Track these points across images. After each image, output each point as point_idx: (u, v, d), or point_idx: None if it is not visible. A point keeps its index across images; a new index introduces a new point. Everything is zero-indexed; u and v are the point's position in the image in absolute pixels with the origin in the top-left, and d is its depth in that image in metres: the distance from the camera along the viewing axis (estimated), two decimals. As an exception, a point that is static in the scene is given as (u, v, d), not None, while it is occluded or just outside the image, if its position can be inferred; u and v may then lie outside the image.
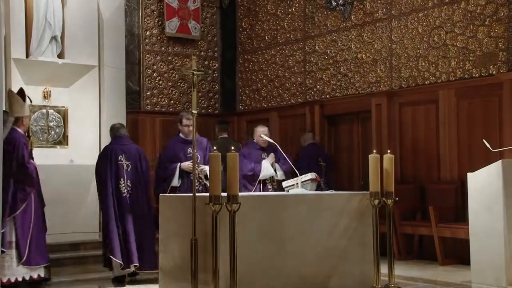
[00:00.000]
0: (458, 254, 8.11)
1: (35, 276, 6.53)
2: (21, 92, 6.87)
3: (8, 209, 6.35)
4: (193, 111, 5.55)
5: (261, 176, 7.86)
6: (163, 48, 11.30)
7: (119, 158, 7.06)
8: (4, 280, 6.32)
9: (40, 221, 6.65)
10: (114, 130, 7.35)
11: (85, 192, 9.19)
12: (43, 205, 6.78)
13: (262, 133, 8.01)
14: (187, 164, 7.32)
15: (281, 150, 7.58)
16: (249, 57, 11.65)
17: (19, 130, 6.62)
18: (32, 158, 6.74)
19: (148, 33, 11.16)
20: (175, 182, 7.32)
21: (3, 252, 6.26)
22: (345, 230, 6.00)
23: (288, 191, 6.55)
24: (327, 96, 10.21)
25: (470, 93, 8.34)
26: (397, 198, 6.10)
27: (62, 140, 9.75)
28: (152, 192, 7.42)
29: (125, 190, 7.04)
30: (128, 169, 7.10)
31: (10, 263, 6.39)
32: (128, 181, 7.06)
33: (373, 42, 9.54)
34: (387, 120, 9.24)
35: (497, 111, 8.05)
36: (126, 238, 6.88)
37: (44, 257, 6.63)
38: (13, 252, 6.40)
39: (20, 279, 6.43)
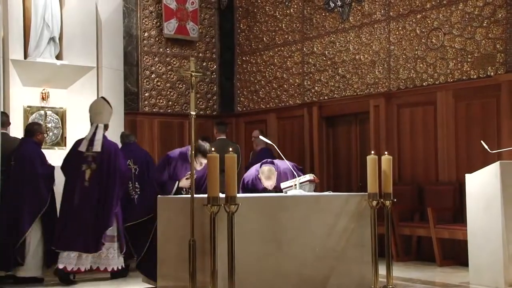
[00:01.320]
0: (456, 255, 8.12)
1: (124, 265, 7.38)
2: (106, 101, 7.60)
3: (114, 207, 7.16)
4: (191, 112, 5.54)
5: None
6: (161, 50, 11.30)
7: (128, 162, 7.72)
8: (109, 269, 7.18)
9: None
10: (123, 137, 8.30)
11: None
12: None
13: (265, 178, 6.79)
14: (185, 183, 6.51)
15: (279, 151, 7.57)
16: (247, 58, 11.65)
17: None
18: None
19: (146, 34, 11.16)
20: None
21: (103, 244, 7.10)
22: (343, 231, 6.00)
23: (286, 192, 6.55)
24: (325, 98, 10.21)
25: (468, 95, 8.35)
26: (395, 199, 6.10)
27: (60, 141, 9.73)
28: None
29: (133, 192, 7.81)
30: (136, 172, 7.83)
31: (114, 254, 7.16)
32: (136, 183, 7.79)
33: (371, 44, 9.55)
34: (385, 121, 9.24)
35: (495, 113, 8.05)
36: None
37: None
38: (115, 244, 7.18)
39: (117, 268, 7.23)
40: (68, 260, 6.97)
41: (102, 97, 7.70)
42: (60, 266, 6.97)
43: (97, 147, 7.15)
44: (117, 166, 7.20)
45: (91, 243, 7.00)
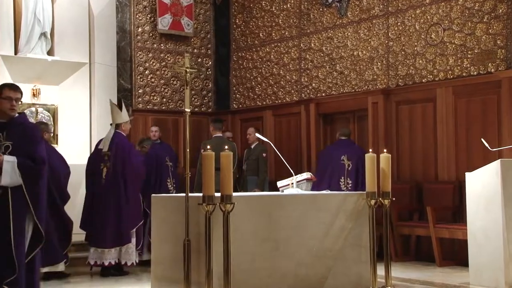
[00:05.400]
0: (456, 255, 8.14)
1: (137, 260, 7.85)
2: (120, 102, 8.21)
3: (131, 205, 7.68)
4: (186, 110, 5.55)
5: None
6: (155, 45, 11.29)
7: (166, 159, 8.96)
8: (129, 264, 7.67)
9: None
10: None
11: (75, 192, 9.14)
12: None
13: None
14: None
15: (275, 149, 7.58)
16: (243, 54, 11.66)
17: (123, 134, 7.87)
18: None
19: (140, 29, 11.15)
20: None
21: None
22: (341, 231, 6.02)
23: (282, 191, 6.57)
24: (323, 94, 10.22)
25: (468, 92, 8.37)
26: (394, 198, 6.13)
27: (52, 139, 9.71)
28: None
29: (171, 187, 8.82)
30: (172, 169, 8.96)
31: (133, 249, 7.69)
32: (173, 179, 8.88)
33: (369, 39, 9.57)
34: (383, 118, 9.26)
35: (496, 110, 8.07)
36: None
37: None
38: (134, 240, 7.69)
39: (132, 263, 7.74)
40: (94, 255, 7.57)
41: (119, 99, 8.45)
42: (91, 262, 7.60)
43: (105, 147, 7.75)
44: (128, 165, 7.66)
45: (109, 239, 7.53)
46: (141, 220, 7.76)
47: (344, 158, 8.78)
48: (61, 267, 7.40)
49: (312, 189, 6.97)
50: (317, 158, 9.48)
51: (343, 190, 8.47)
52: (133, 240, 7.67)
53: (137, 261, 7.80)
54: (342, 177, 8.69)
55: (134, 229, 7.66)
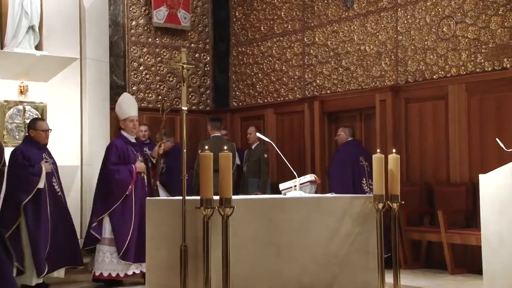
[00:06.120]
0: (469, 262, 8.15)
1: (130, 273, 7.36)
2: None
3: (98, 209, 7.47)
4: (183, 108, 5.56)
5: None
6: (150, 40, 11.31)
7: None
8: (105, 275, 7.28)
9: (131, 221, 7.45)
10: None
11: (66, 195, 9.16)
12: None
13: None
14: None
15: (277, 149, 7.59)
16: (243, 49, 11.67)
17: (122, 133, 7.74)
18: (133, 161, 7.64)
19: (134, 23, 11.16)
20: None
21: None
22: (346, 236, 6.03)
23: (285, 194, 6.58)
24: (328, 92, 10.24)
25: (482, 88, 8.38)
26: (403, 202, 6.13)
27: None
28: None
29: None
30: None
31: (111, 259, 7.31)
32: None
33: (377, 33, 9.58)
34: (392, 117, 9.27)
35: (511, 107, 8.08)
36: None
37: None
38: (113, 248, 7.31)
39: (119, 274, 7.33)
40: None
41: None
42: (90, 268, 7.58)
43: None
44: (102, 167, 7.62)
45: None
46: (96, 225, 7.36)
47: (362, 159, 8.90)
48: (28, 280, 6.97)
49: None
50: (331, 160, 9.49)
51: (366, 191, 8.55)
52: (105, 247, 7.33)
53: (128, 273, 7.36)
54: (364, 178, 8.81)
55: (107, 235, 7.34)
